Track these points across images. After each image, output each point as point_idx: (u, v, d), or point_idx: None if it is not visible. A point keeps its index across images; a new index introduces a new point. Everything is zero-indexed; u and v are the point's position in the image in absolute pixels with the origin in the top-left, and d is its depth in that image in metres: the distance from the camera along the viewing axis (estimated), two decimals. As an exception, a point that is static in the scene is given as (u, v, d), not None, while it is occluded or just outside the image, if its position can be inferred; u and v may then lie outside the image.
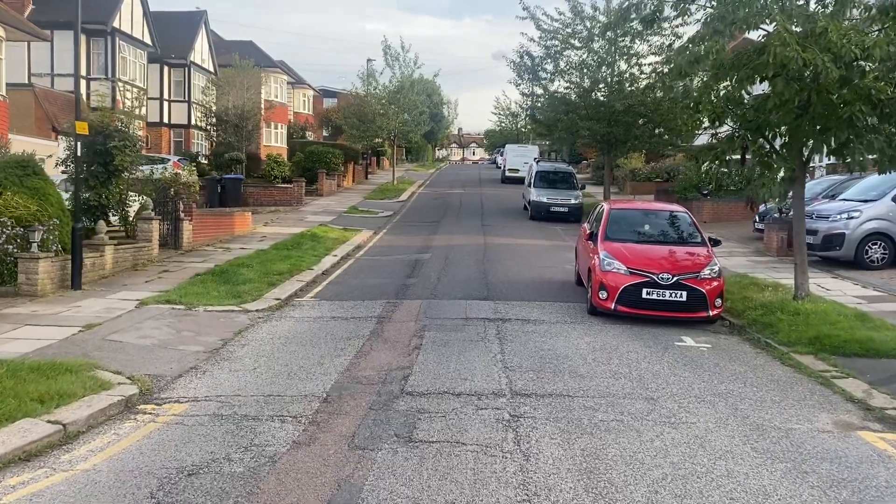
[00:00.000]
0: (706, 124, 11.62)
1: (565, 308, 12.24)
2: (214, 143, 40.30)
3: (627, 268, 11.12)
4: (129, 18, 35.27)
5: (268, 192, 29.81)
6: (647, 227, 12.49)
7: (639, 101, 25.83)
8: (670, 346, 9.85)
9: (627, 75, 26.29)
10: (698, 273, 11.07)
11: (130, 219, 16.97)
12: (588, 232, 12.75)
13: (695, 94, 11.06)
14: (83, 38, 34.13)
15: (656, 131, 26.81)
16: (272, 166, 37.34)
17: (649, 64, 26.27)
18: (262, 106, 43.61)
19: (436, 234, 23.13)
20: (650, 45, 26.16)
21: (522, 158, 44.01)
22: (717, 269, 11.30)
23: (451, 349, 9.31)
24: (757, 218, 22.08)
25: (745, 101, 10.49)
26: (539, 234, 23.77)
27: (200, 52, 44.43)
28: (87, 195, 16.74)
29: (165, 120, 42.69)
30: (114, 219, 17.76)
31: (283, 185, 30.41)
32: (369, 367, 8.45)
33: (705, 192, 26.85)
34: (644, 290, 10.89)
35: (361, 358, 8.89)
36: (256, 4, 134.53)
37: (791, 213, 20.00)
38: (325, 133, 66.26)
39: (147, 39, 37.20)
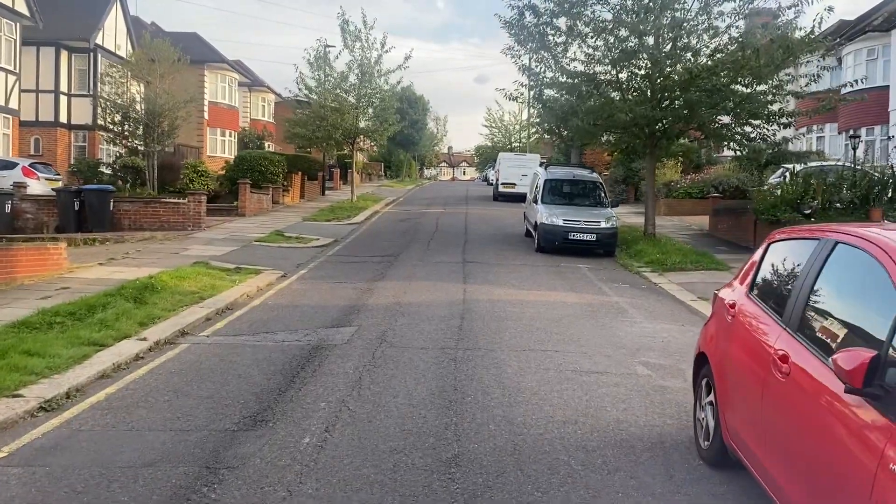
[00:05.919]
0: None
1: None
2: (127, 149, 31.16)
3: None
4: (-13, -26, 26.00)
5: (152, 211, 20.34)
6: None
7: (707, 69, 16.69)
8: None
9: (685, 30, 17.14)
10: None
11: None
12: (858, 364, 2.93)
13: None
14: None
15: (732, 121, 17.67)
16: (192, 177, 28.10)
17: (719, 12, 17.22)
18: (198, 102, 34.96)
19: (384, 278, 13.75)
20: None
21: (520, 170, 34.79)
22: None
23: None
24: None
25: None
26: (557, 279, 14.39)
27: (113, 36, 35.15)
28: None
29: (63, 119, 33.26)
30: None
31: (174, 202, 20.89)
32: None
33: (807, 211, 17.65)
34: None
35: None
36: (239, 25, 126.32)
37: None
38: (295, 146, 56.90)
39: (22, 8, 27.84)
